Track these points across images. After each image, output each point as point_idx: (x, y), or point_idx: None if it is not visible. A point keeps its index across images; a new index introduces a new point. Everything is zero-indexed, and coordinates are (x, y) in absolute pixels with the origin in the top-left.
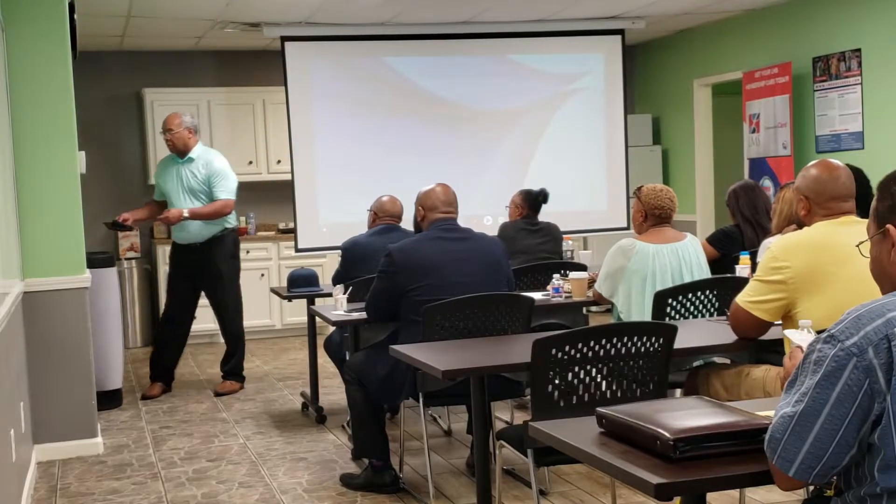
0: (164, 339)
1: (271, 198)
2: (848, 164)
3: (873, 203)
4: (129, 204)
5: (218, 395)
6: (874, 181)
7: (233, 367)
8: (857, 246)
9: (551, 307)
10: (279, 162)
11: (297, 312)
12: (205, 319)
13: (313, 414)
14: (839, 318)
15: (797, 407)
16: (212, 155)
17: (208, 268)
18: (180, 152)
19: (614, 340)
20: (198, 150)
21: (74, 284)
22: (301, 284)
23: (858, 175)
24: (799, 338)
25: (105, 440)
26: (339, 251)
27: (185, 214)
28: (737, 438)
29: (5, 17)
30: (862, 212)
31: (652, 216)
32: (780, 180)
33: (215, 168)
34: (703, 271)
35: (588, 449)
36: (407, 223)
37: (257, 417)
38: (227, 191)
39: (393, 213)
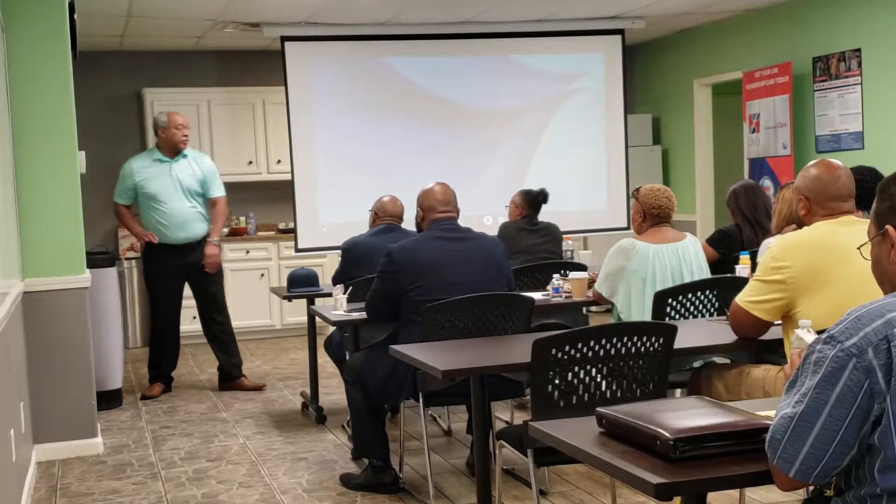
0: (162, 343)
1: (271, 198)
2: (861, 166)
3: (873, 205)
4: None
5: (249, 389)
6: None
7: (239, 361)
8: (858, 249)
9: (551, 307)
10: (279, 162)
11: (297, 312)
12: None
13: (313, 414)
14: (839, 318)
15: (797, 408)
16: (200, 153)
17: (194, 264)
18: (179, 151)
19: (614, 340)
20: (188, 149)
21: (74, 284)
22: (301, 284)
23: (873, 173)
24: (810, 340)
25: (105, 440)
26: (339, 251)
27: (216, 242)
28: (737, 438)
29: (5, 17)
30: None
31: (650, 216)
32: (780, 180)
33: (210, 166)
34: (703, 271)
35: (588, 449)
36: (408, 223)
37: (257, 417)
38: (221, 188)
39: (393, 213)
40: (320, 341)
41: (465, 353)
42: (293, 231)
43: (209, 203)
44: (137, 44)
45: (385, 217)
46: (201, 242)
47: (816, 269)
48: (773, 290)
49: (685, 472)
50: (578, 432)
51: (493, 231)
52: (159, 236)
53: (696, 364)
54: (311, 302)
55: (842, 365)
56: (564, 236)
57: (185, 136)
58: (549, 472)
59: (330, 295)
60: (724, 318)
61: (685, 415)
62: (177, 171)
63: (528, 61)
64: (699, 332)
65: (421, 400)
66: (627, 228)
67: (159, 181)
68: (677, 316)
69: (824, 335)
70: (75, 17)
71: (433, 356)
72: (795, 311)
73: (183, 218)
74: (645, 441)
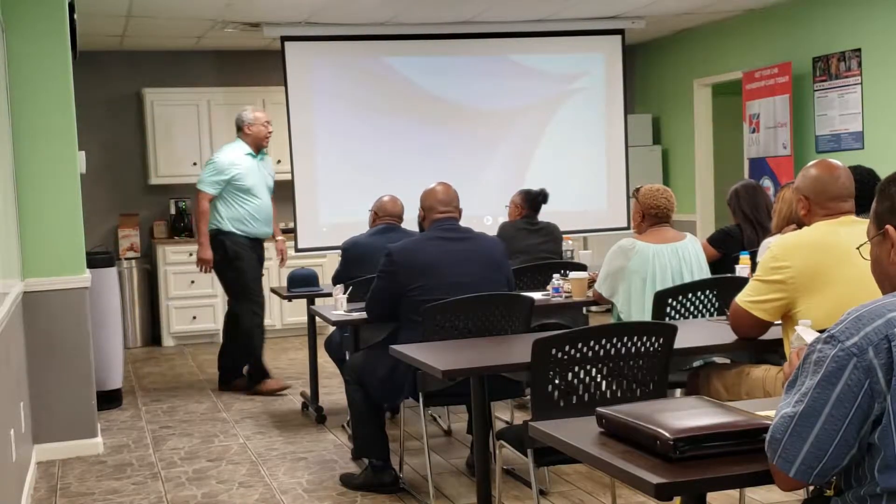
0: (258, 333)
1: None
2: (858, 166)
3: (873, 205)
4: (130, 204)
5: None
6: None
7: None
8: (858, 249)
9: (551, 307)
10: (279, 162)
11: (297, 312)
12: (205, 319)
13: (313, 414)
14: (839, 318)
15: (797, 407)
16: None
17: (262, 259)
18: (262, 148)
19: (614, 340)
20: None
21: (74, 284)
22: (301, 284)
23: (870, 175)
24: (810, 338)
25: (105, 440)
26: (339, 251)
27: (280, 237)
28: (737, 438)
29: (5, 17)
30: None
31: (649, 216)
32: (780, 180)
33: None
34: (703, 271)
35: (588, 449)
36: (411, 223)
37: (257, 417)
38: None
39: (393, 212)
40: (320, 341)
41: (465, 353)
42: (293, 231)
43: None
44: (137, 44)
45: (385, 217)
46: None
47: (816, 269)
48: (773, 290)
49: (685, 472)
50: (578, 432)
51: (493, 231)
52: (248, 229)
53: (696, 364)
54: (311, 302)
55: (842, 364)
56: (564, 236)
57: (270, 132)
58: (549, 472)
59: (330, 295)
60: (724, 318)
61: (685, 415)
62: (263, 168)
63: (528, 61)
64: (699, 332)
65: (421, 400)
66: (627, 228)
67: (253, 176)
68: (677, 316)
69: (824, 335)
70: (75, 17)
71: (433, 356)
72: (795, 311)
73: (267, 213)
74: (645, 441)
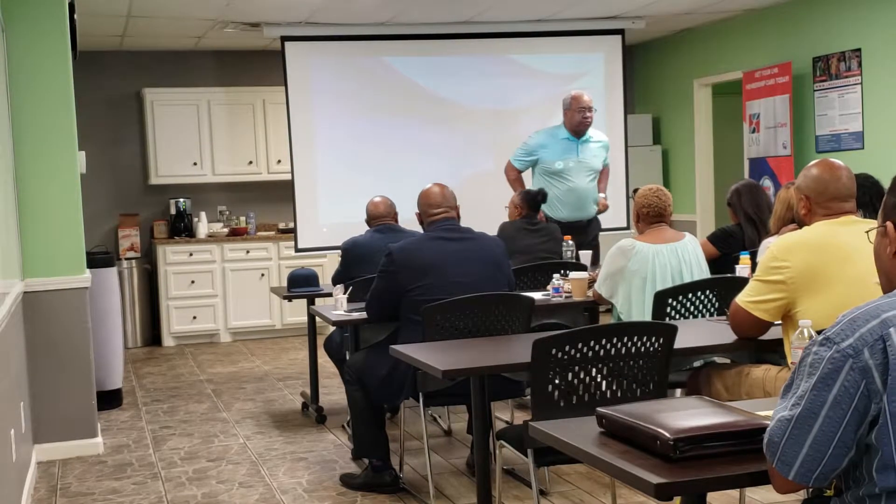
0: None
1: (271, 198)
2: (861, 173)
3: (886, 196)
4: (130, 204)
5: None
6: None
7: None
8: (867, 232)
9: (551, 307)
10: (279, 162)
11: (297, 312)
12: (205, 319)
13: (313, 414)
14: (835, 319)
15: (794, 410)
16: (599, 132)
17: (587, 244)
18: (581, 133)
19: (614, 340)
20: (589, 130)
21: (74, 284)
22: (301, 284)
23: (870, 180)
24: None
25: (105, 440)
26: (339, 251)
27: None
28: (737, 438)
29: (5, 17)
30: (866, 214)
31: (643, 215)
32: (781, 180)
33: (608, 144)
34: (702, 271)
35: (588, 449)
36: (411, 221)
37: (257, 417)
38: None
39: (385, 214)
40: (320, 341)
41: (465, 353)
42: (293, 231)
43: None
44: (137, 44)
45: (376, 220)
46: (590, 222)
47: (816, 269)
48: (772, 290)
49: (685, 472)
50: (578, 432)
51: (492, 231)
52: (553, 212)
53: (697, 364)
54: (311, 302)
55: (838, 366)
56: (564, 236)
57: (586, 118)
58: (549, 472)
59: (330, 295)
60: (724, 318)
61: (685, 415)
62: (582, 152)
63: (528, 61)
64: (699, 332)
65: (421, 400)
66: (627, 228)
67: (567, 159)
68: (677, 316)
69: (819, 337)
70: (75, 17)
71: (433, 356)
72: (795, 311)
73: (579, 197)
74: (645, 441)
